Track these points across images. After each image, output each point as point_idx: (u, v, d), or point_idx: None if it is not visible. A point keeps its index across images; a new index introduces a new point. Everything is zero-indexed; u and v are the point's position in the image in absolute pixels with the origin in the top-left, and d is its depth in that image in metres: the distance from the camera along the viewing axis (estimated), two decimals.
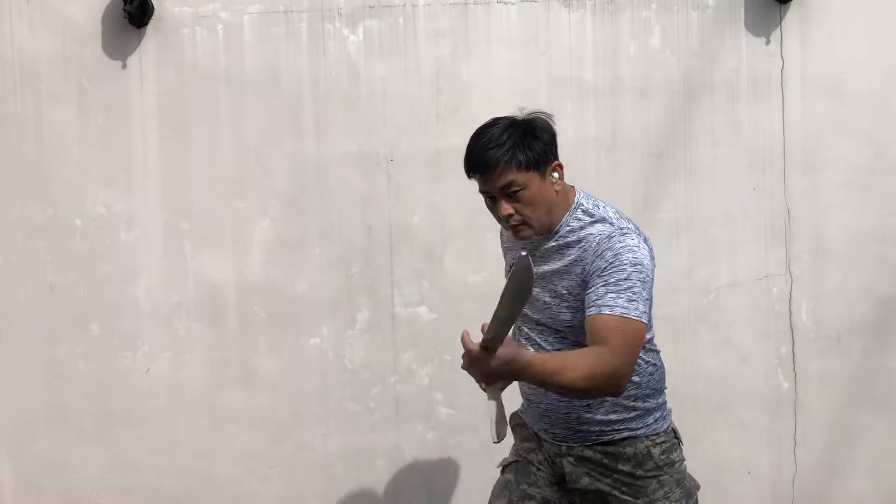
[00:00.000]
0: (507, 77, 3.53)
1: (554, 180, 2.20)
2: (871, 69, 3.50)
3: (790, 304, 3.54)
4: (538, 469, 2.40)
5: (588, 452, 2.31)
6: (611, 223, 2.20)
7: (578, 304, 2.18)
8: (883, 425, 3.54)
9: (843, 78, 3.50)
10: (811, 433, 3.56)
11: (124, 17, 3.50)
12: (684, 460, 2.39)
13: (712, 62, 3.53)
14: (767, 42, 3.53)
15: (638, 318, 2.07)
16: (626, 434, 2.29)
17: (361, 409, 3.62)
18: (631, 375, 2.09)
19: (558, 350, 2.25)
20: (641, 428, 2.31)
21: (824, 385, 3.54)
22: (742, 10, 3.53)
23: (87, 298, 3.60)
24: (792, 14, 3.51)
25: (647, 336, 2.29)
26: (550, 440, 2.37)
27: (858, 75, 3.50)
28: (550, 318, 2.27)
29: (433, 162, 3.55)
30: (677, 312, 3.54)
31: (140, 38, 3.58)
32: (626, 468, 2.29)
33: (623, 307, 2.06)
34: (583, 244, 2.19)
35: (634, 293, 2.08)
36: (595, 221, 2.21)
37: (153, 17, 3.55)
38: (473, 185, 2.26)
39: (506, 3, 3.56)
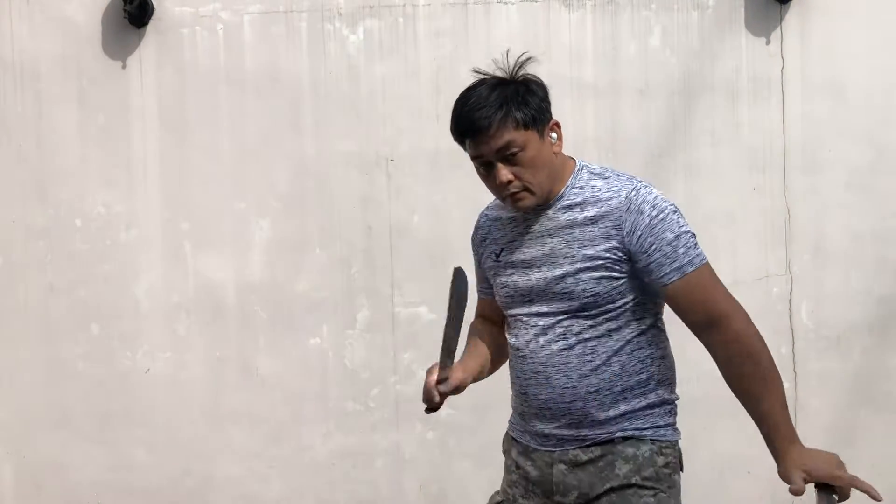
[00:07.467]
0: None
1: (553, 140, 1.98)
2: (871, 69, 3.50)
3: (790, 304, 3.54)
4: None
5: (582, 456, 1.99)
6: (626, 178, 1.98)
7: (607, 268, 1.94)
8: (883, 425, 3.54)
9: (843, 78, 3.50)
10: (811, 433, 3.54)
11: (124, 17, 3.50)
12: (680, 494, 2.07)
13: (712, 62, 3.53)
14: (768, 42, 3.52)
15: (706, 260, 1.97)
16: (630, 433, 2.00)
17: (361, 409, 3.61)
18: (743, 310, 2.01)
19: (579, 334, 1.98)
20: (648, 429, 2.02)
21: (824, 385, 3.54)
22: (742, 10, 3.52)
23: (87, 298, 3.60)
24: (792, 14, 3.51)
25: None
26: (542, 446, 2.03)
27: (858, 75, 3.50)
28: (566, 295, 1.97)
29: (433, 162, 3.55)
30: None
31: (140, 38, 3.58)
32: (623, 471, 1.97)
33: (693, 256, 1.94)
34: (604, 201, 1.95)
35: (690, 237, 1.95)
36: (606, 178, 1.99)
37: (153, 17, 3.55)
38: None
39: (506, 3, 3.56)
